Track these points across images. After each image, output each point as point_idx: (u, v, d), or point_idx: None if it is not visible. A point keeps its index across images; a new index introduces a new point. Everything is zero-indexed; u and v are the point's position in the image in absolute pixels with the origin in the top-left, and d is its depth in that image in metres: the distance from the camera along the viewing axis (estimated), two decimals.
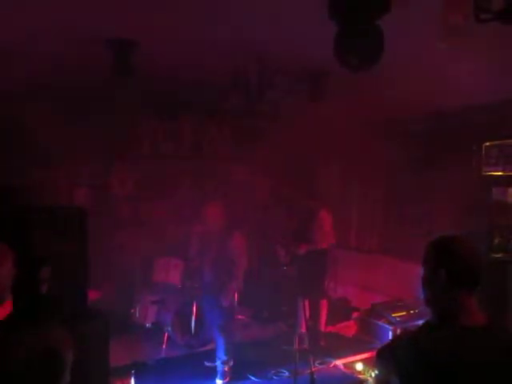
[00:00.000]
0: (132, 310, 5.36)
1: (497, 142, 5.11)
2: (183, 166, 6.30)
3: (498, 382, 1.52)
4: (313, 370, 4.03)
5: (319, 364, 4.78)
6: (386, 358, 1.65)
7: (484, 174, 5.19)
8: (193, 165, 6.35)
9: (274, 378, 4.63)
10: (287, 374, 4.61)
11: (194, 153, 6.43)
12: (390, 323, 5.37)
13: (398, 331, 5.12)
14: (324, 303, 5.47)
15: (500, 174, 5.07)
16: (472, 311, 1.58)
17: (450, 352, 1.50)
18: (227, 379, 4.53)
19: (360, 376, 4.65)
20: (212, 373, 4.61)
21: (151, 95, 5.29)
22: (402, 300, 5.78)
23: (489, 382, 1.50)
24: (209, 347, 5.03)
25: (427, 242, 1.71)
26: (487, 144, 5.18)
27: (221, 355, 4.57)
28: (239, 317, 6.20)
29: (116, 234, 5.77)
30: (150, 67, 3.98)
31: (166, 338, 5.00)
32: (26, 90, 4.55)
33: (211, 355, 4.72)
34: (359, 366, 4.75)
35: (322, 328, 5.25)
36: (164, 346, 4.92)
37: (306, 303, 4.93)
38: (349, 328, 5.88)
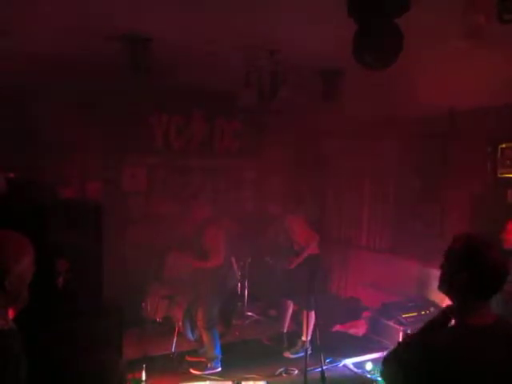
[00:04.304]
0: (143, 304, 5.40)
1: None
2: (194, 162, 6.32)
3: (505, 380, 1.52)
4: (323, 368, 4.03)
5: (329, 363, 4.77)
6: (392, 366, 1.62)
7: (499, 175, 5.13)
8: (204, 160, 6.38)
9: (284, 375, 4.64)
10: (297, 372, 4.61)
11: (205, 149, 6.44)
12: (400, 324, 5.34)
13: (408, 331, 5.08)
14: (305, 314, 4.99)
15: None
16: (482, 312, 1.58)
17: (458, 350, 1.50)
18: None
19: (370, 375, 4.65)
20: None
21: (164, 91, 5.31)
22: (412, 300, 5.74)
23: (496, 380, 1.50)
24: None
25: (455, 237, 1.66)
26: (503, 146, 5.12)
27: (209, 356, 4.63)
28: (248, 313, 6.21)
29: (127, 229, 5.80)
30: (163, 63, 3.98)
31: (176, 332, 5.02)
32: (39, 85, 4.58)
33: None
34: (369, 366, 4.75)
35: (304, 337, 4.97)
36: (175, 341, 4.94)
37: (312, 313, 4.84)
38: (359, 327, 5.86)
